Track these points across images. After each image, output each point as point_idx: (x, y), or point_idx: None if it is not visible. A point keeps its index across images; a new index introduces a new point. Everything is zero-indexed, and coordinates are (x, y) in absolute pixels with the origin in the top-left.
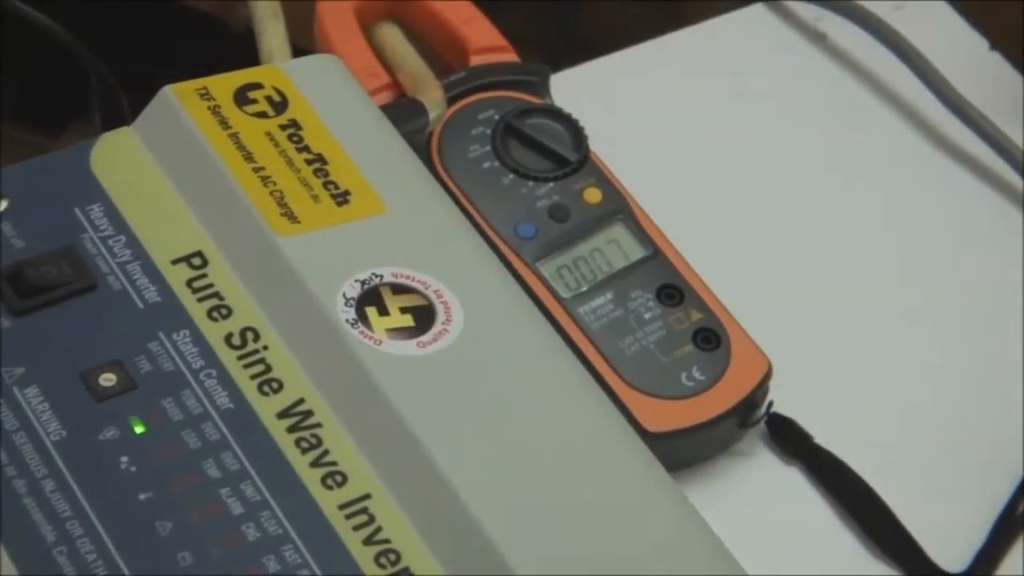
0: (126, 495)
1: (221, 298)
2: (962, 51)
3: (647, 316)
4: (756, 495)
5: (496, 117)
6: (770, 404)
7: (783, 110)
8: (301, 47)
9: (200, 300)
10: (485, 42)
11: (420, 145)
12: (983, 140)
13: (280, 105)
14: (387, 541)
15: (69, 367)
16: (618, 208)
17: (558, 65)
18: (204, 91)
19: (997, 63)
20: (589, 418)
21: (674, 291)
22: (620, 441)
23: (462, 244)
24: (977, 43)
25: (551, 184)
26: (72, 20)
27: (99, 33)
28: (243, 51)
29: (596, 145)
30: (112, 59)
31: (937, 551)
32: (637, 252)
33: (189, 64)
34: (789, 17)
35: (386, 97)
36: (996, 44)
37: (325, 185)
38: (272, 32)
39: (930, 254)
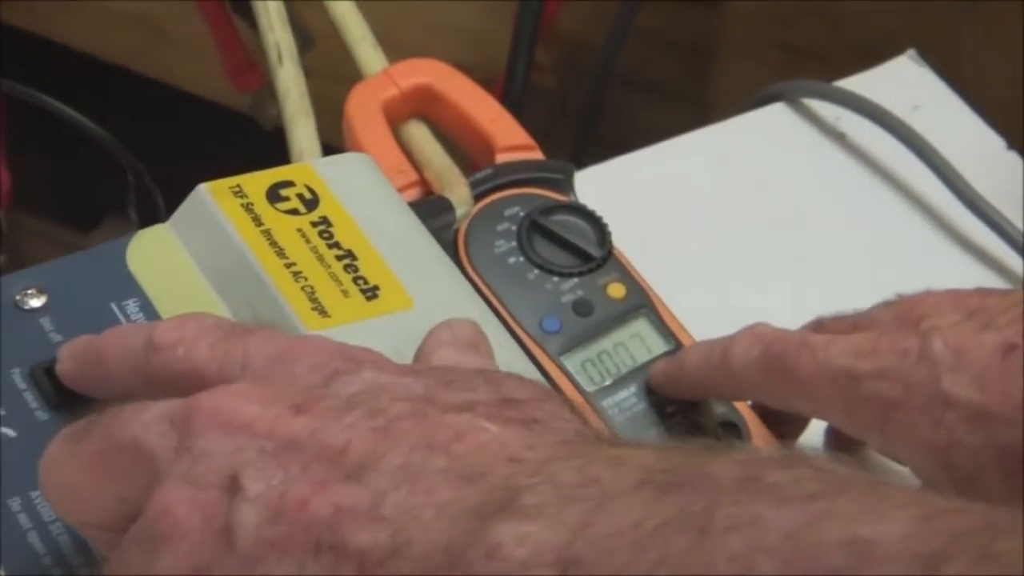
0: None
1: None
2: (980, 150)
3: (670, 409)
4: None
5: (521, 214)
6: None
7: (804, 207)
8: (330, 144)
9: None
10: (511, 140)
11: (447, 240)
12: (1001, 238)
13: (311, 202)
14: None
15: None
16: (641, 303)
17: (583, 162)
18: (237, 188)
19: (1015, 163)
20: None
21: None
22: None
23: (489, 338)
24: (995, 143)
25: (575, 279)
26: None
27: (133, 131)
28: (274, 148)
29: (619, 241)
30: (145, 157)
31: None
32: (660, 346)
33: (221, 161)
34: (809, 116)
35: (414, 194)
36: (1013, 144)
37: (355, 280)
38: (302, 129)
39: None
